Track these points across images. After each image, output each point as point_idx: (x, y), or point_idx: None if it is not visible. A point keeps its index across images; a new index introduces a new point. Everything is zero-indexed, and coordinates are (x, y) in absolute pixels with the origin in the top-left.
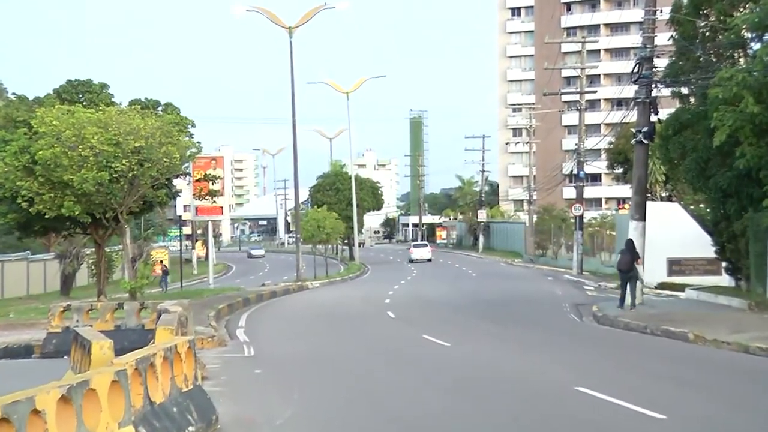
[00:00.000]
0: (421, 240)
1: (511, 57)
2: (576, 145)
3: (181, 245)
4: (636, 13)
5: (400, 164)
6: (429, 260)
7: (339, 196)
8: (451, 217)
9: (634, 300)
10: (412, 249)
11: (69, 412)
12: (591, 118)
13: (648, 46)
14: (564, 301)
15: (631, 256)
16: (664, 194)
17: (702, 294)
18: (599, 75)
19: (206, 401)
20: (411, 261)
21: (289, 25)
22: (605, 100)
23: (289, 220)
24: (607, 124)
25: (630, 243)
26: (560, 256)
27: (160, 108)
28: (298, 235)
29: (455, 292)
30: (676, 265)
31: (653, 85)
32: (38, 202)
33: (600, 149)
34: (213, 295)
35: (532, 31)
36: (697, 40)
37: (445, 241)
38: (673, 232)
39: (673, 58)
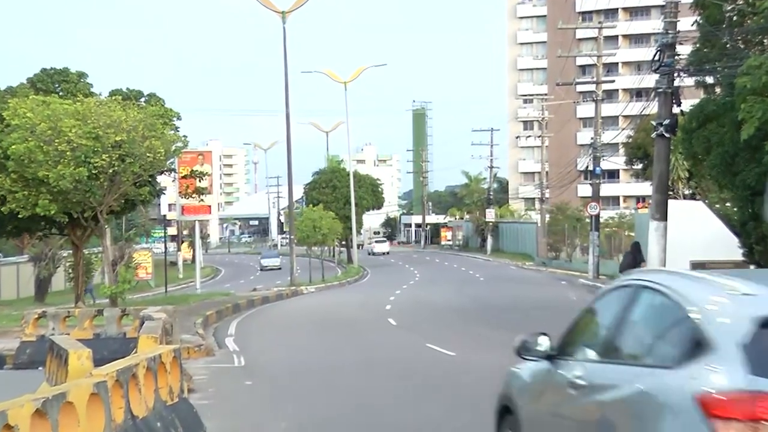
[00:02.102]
0: (382, 236)
1: (522, 44)
2: (592, 139)
3: (165, 247)
4: None
5: (401, 160)
6: (387, 253)
7: (336, 194)
8: (457, 217)
9: None
10: (374, 244)
11: (44, 427)
12: (608, 109)
13: (670, 31)
14: (579, 308)
15: (633, 258)
16: (687, 192)
17: None
18: (617, 63)
19: (193, 415)
20: (371, 254)
21: (282, 9)
22: (623, 90)
23: (283, 220)
24: (626, 117)
25: (635, 245)
26: (575, 259)
27: (143, 99)
28: (292, 237)
29: (461, 298)
30: (700, 269)
31: (676, 74)
32: (11, 200)
33: (618, 143)
34: (200, 301)
35: (545, 15)
36: (724, 25)
37: (450, 243)
38: (696, 232)
39: (698, 45)
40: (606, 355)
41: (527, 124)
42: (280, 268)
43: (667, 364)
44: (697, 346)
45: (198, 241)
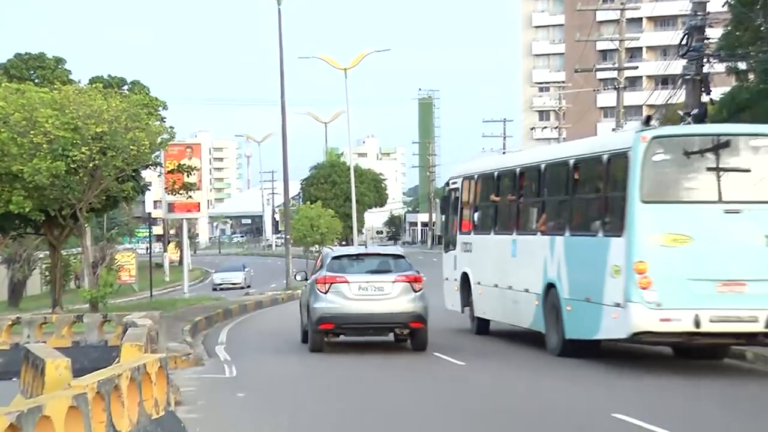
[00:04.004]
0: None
1: (538, 27)
2: (613, 130)
3: (150, 247)
4: None
5: (407, 153)
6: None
7: (335, 190)
8: None
9: None
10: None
11: None
12: (631, 98)
13: (699, 13)
14: None
15: None
16: None
17: None
18: (641, 48)
19: (180, 430)
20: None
21: None
22: (648, 77)
23: (278, 219)
24: (650, 106)
25: None
26: None
27: (126, 87)
28: (288, 236)
29: None
30: None
31: (705, 60)
32: None
33: None
34: (188, 306)
35: None
36: (758, 6)
37: None
38: None
39: (729, 28)
40: (312, 274)
41: (543, 114)
42: (242, 287)
43: (316, 273)
44: (321, 266)
45: (186, 242)
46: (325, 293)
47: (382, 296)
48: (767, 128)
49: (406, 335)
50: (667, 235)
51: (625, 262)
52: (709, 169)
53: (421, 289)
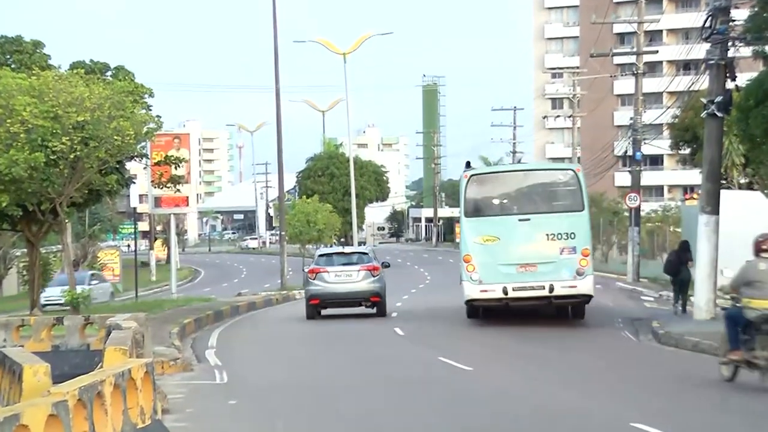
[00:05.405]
0: None
1: (551, 8)
2: (631, 119)
3: (135, 245)
4: None
5: (410, 144)
6: None
7: (334, 183)
8: None
9: (680, 305)
10: None
11: None
12: (650, 84)
13: None
14: (616, 315)
15: (678, 257)
16: (742, 181)
17: None
18: (661, 31)
19: None
20: None
21: None
22: (668, 62)
23: (272, 214)
24: (671, 93)
25: (683, 244)
26: (611, 259)
27: (109, 73)
28: (283, 233)
29: None
30: None
31: (730, 43)
32: None
33: (662, 124)
34: (176, 308)
35: None
36: None
37: None
38: (754, 227)
39: (756, 9)
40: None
41: (556, 102)
42: (112, 298)
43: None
44: (312, 262)
45: (173, 239)
46: (314, 279)
47: (351, 280)
48: (544, 165)
49: (370, 306)
50: (482, 236)
51: (461, 255)
52: (508, 193)
53: (378, 274)
